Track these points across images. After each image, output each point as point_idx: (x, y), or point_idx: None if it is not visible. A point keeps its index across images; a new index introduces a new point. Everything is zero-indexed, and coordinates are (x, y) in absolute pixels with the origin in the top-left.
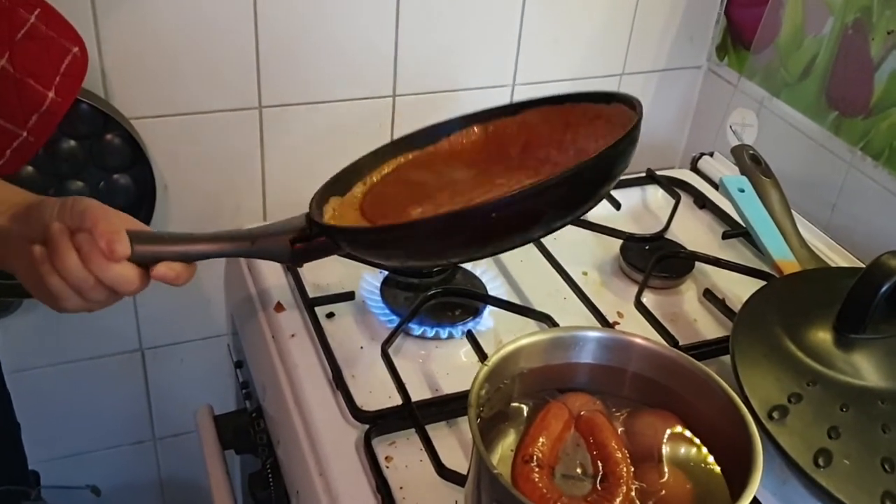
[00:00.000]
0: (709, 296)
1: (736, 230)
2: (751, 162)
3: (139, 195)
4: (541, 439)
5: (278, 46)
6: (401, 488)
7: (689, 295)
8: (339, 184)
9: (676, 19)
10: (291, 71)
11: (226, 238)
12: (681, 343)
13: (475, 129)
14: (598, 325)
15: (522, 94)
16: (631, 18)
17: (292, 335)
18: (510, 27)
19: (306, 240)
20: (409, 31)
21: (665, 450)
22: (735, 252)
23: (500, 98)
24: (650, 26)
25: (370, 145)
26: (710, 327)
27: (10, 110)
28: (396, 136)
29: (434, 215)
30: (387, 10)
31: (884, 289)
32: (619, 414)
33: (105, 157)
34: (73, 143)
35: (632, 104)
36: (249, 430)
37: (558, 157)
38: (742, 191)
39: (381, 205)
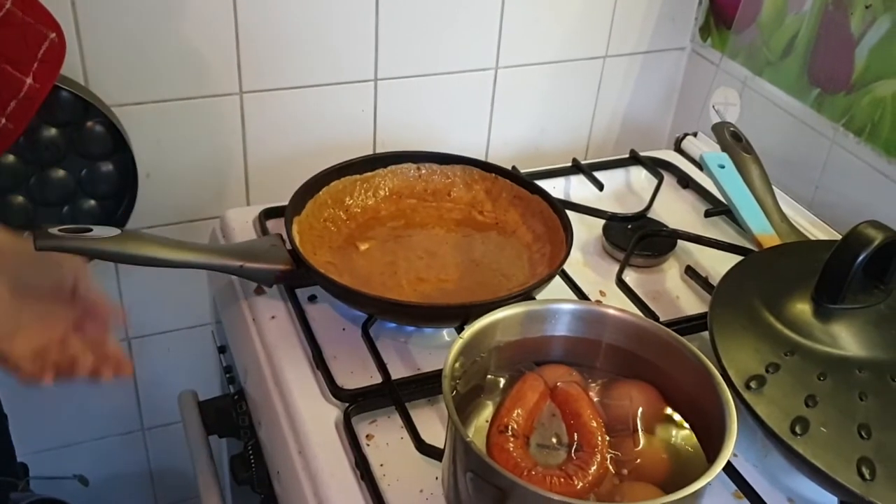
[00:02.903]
0: (691, 273)
1: (718, 208)
2: (731, 139)
3: (121, 183)
4: (516, 410)
5: (258, 31)
6: (381, 465)
7: (671, 273)
8: (297, 204)
9: (658, 0)
10: (272, 56)
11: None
12: (662, 319)
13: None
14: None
15: (505, 78)
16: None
17: (272, 317)
18: (492, 9)
19: (290, 275)
20: (389, 13)
21: (640, 419)
22: (718, 230)
23: (484, 82)
24: (632, 8)
25: (352, 130)
26: (692, 304)
27: None
28: (379, 121)
29: (401, 301)
30: None
31: (861, 258)
32: (595, 385)
33: (86, 145)
34: (53, 130)
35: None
36: (232, 413)
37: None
38: (722, 167)
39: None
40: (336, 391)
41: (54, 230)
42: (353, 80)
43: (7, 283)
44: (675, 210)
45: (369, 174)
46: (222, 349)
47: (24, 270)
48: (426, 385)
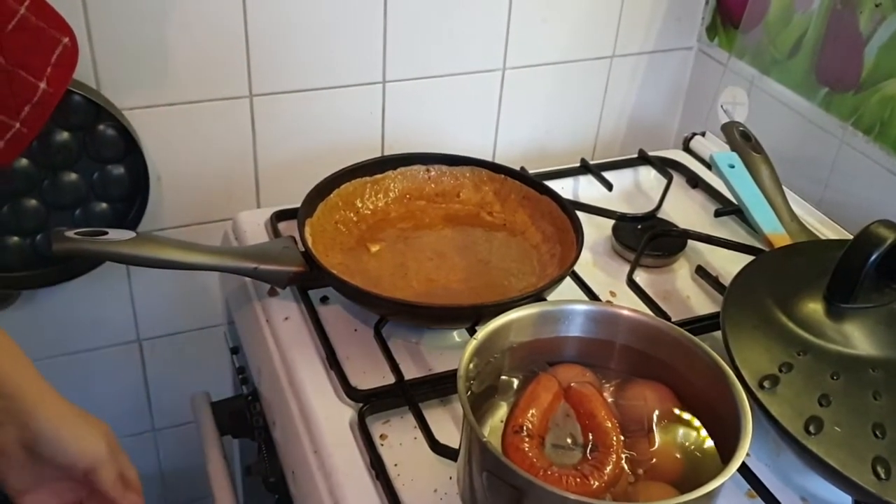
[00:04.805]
0: (701, 272)
1: (728, 208)
2: (741, 138)
3: (133, 186)
4: (531, 410)
5: (267, 35)
6: (395, 465)
7: (681, 273)
8: (308, 206)
9: (665, 0)
10: (281, 59)
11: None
12: (673, 319)
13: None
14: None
15: (512, 79)
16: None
17: (286, 318)
18: (499, 10)
19: (303, 276)
20: (397, 16)
21: (655, 420)
22: (727, 229)
23: (491, 83)
24: (639, 8)
25: (361, 132)
26: (703, 304)
27: (2, 101)
28: (387, 123)
29: (410, 302)
30: None
31: (873, 257)
32: (609, 385)
33: (98, 148)
34: (66, 134)
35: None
36: (246, 414)
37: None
38: (732, 166)
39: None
40: (350, 391)
41: (71, 234)
42: (361, 82)
43: (20, 442)
44: (684, 210)
45: (379, 176)
46: (235, 350)
47: (40, 438)
48: (438, 385)
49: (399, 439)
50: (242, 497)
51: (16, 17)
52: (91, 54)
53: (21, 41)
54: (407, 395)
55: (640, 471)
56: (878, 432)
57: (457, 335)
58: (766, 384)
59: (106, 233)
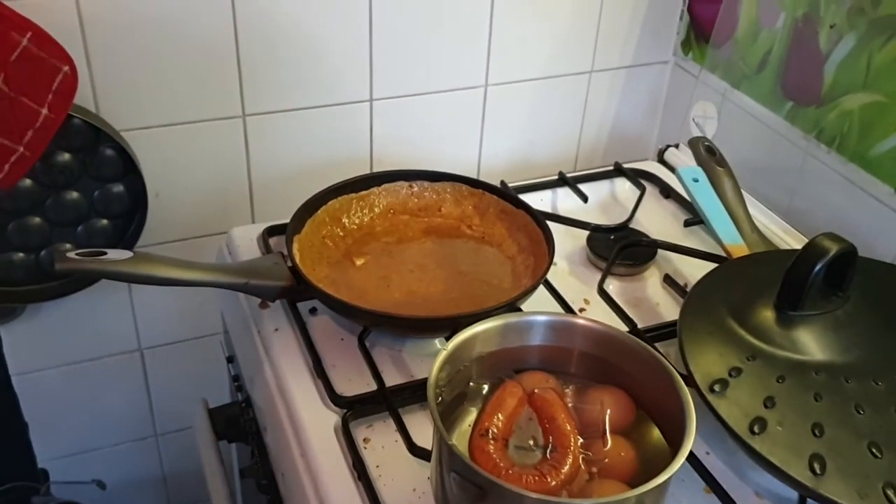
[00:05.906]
0: (668, 281)
1: (697, 218)
2: (706, 153)
3: (132, 203)
4: (496, 415)
5: (258, 58)
6: (377, 466)
7: (652, 281)
8: (296, 223)
9: (641, 16)
10: (272, 80)
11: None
12: (641, 325)
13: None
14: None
15: (495, 95)
16: (597, 16)
17: (276, 329)
18: (480, 29)
19: (291, 290)
20: (382, 37)
21: (609, 422)
22: (697, 238)
23: (474, 99)
24: (616, 24)
25: (349, 148)
26: (670, 310)
27: (6, 127)
28: (375, 139)
29: (393, 314)
30: (360, 15)
31: (818, 268)
32: (569, 390)
33: (98, 168)
34: (67, 155)
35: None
36: (240, 420)
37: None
38: (696, 180)
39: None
40: (335, 398)
41: (72, 254)
42: (349, 101)
43: None
44: (656, 220)
45: (364, 192)
46: (230, 359)
47: None
48: (418, 391)
49: (381, 442)
50: (241, 499)
51: (18, 48)
52: (90, 80)
53: (24, 70)
54: (388, 402)
55: (595, 469)
56: (816, 431)
57: (438, 343)
58: (716, 388)
59: (105, 253)
